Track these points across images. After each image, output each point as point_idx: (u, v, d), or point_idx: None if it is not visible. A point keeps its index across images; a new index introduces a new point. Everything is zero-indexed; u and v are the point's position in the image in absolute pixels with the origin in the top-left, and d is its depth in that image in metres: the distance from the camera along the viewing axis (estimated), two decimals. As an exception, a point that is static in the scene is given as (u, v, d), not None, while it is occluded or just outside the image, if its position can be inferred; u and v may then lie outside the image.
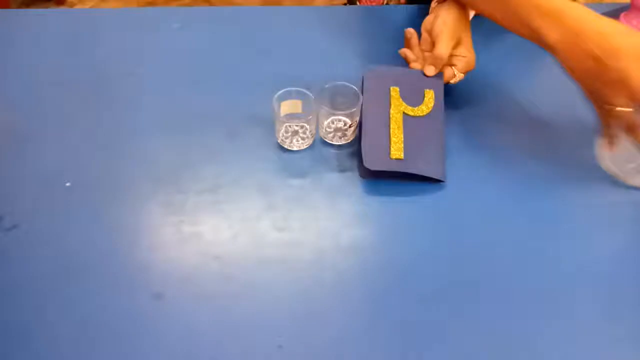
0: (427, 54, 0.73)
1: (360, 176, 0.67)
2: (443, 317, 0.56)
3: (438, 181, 0.66)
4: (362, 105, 0.68)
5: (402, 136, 0.67)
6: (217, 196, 0.65)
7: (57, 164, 0.67)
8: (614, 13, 0.90)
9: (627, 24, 0.85)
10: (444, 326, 0.55)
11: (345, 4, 1.05)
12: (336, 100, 0.69)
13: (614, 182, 0.67)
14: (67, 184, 0.65)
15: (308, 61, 0.81)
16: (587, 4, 0.93)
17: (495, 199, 0.66)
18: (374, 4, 0.96)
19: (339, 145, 0.70)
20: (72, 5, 2.10)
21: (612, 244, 0.63)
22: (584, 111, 0.65)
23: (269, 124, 0.71)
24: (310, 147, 0.70)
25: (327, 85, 0.68)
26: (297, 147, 0.69)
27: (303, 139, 0.69)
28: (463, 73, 0.72)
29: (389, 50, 0.83)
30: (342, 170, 0.68)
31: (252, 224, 0.62)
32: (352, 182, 0.67)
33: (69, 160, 0.68)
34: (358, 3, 0.99)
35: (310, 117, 0.66)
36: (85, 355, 0.53)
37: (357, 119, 0.69)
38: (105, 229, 0.62)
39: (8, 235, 0.61)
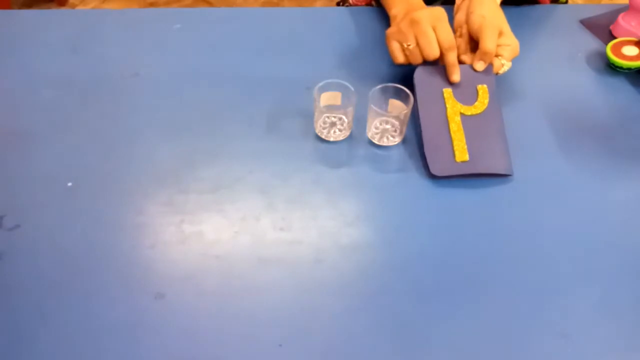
0: (470, 50, 0.73)
1: (431, 175, 0.66)
2: (443, 316, 0.56)
3: (504, 176, 0.67)
4: (418, 112, 0.68)
5: (463, 137, 0.67)
6: (218, 196, 0.65)
7: (58, 164, 0.68)
8: (613, 14, 0.90)
9: (625, 24, 0.85)
10: (444, 325, 0.56)
11: (338, 4, 1.06)
12: (385, 102, 0.69)
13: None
14: (69, 184, 0.66)
15: (308, 62, 0.81)
16: (586, 5, 0.94)
17: (494, 197, 0.66)
18: (363, 4, 0.96)
19: (341, 145, 0.70)
20: (73, 6, 2.10)
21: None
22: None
23: (269, 124, 0.72)
24: (310, 147, 0.70)
25: (378, 86, 0.68)
26: (334, 137, 0.70)
27: (340, 130, 0.70)
28: (510, 61, 0.72)
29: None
30: (343, 170, 0.68)
31: (253, 224, 0.63)
32: (352, 182, 0.67)
33: (70, 160, 0.68)
34: (350, 2, 0.99)
35: (350, 108, 0.67)
36: (87, 355, 0.53)
37: (406, 120, 0.68)
38: (106, 229, 0.62)
39: (10, 234, 0.61)
